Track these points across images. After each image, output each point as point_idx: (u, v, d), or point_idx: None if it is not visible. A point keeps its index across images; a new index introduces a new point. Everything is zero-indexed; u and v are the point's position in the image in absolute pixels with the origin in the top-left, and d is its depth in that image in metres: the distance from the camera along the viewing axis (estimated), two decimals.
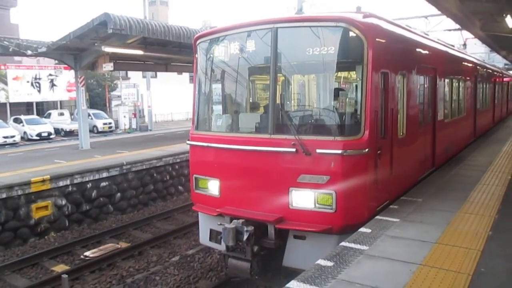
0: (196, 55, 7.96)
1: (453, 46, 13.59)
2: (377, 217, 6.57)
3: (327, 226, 6.20)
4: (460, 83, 12.86)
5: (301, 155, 6.28)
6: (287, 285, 4.44)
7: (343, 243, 5.56)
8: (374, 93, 6.35)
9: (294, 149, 6.34)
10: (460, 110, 12.92)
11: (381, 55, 6.56)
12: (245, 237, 6.36)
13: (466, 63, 14.25)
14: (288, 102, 7.78)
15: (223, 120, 7.84)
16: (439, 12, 14.47)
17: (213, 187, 7.41)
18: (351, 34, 6.31)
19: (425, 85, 9.21)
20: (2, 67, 35.46)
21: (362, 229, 6.03)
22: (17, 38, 21.65)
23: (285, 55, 6.85)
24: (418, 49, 8.95)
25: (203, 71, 7.98)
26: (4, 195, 10.94)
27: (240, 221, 6.54)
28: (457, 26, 18.06)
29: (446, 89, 11.09)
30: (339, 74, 7.24)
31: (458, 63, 13.12)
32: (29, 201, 11.49)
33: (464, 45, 24.52)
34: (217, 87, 8.03)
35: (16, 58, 35.23)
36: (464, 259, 4.96)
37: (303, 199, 6.37)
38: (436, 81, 9.84)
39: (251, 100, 8.18)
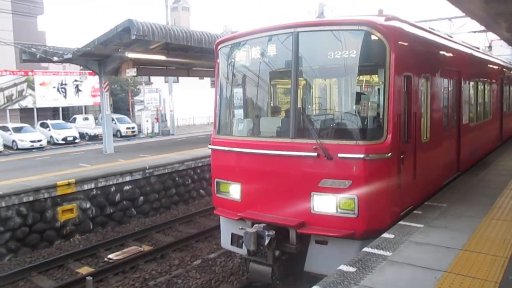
0: (218, 60, 8.01)
1: (477, 48, 13.34)
2: (401, 222, 6.48)
3: (349, 231, 6.14)
4: (486, 86, 12.58)
5: (323, 159, 6.23)
6: None
7: (365, 249, 5.49)
8: (397, 96, 6.27)
9: (315, 153, 6.30)
10: (486, 113, 12.64)
11: (404, 58, 6.49)
12: (266, 241, 6.36)
13: (491, 65, 13.94)
14: (309, 106, 7.75)
15: (245, 124, 7.87)
16: (463, 14, 14.22)
17: (234, 191, 7.44)
18: (373, 37, 6.27)
19: (449, 88, 9.04)
20: (30, 73, 36.41)
21: (385, 235, 5.95)
22: (44, 45, 22.26)
23: (306, 59, 6.83)
24: (441, 52, 8.81)
25: (224, 76, 8.01)
26: (31, 198, 11.23)
27: (262, 225, 6.56)
28: (482, 28, 17.69)
29: (471, 92, 10.86)
30: (361, 77, 7.17)
31: (483, 65, 12.85)
32: (55, 204, 11.75)
33: (489, 47, 23.95)
34: (238, 92, 8.07)
35: (43, 64, 36.08)
36: (491, 267, 4.84)
37: (325, 203, 6.33)
38: (461, 84, 9.65)
39: (272, 104, 8.18)
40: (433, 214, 6.82)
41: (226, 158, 7.57)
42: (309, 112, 7.59)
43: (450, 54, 9.32)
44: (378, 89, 6.54)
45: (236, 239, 7.45)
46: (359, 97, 6.67)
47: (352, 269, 4.86)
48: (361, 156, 6.02)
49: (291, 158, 6.63)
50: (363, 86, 7.34)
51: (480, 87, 11.96)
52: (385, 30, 6.22)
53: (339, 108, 7.78)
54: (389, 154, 6.12)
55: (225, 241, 7.87)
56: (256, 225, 6.63)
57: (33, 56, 18.20)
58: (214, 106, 8.06)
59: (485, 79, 12.61)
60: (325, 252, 6.47)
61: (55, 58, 17.60)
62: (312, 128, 6.68)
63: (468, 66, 10.74)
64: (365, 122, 6.53)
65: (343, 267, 4.94)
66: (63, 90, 38.57)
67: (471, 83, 10.87)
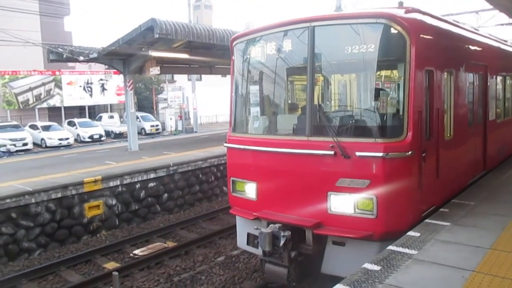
0: (233, 57, 7.92)
1: (505, 41, 12.83)
2: (426, 220, 6.36)
3: (367, 232, 5.95)
4: None
5: (340, 158, 6.05)
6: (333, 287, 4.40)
7: (390, 247, 5.42)
8: (418, 92, 6.05)
9: (332, 152, 6.12)
10: None
11: (425, 52, 6.26)
12: (281, 242, 6.23)
13: None
14: (326, 103, 7.59)
15: (260, 122, 7.75)
16: (490, 7, 13.84)
17: (250, 190, 7.32)
18: (393, 30, 6.02)
19: (475, 83, 8.72)
20: (57, 73, 37.35)
21: (411, 233, 5.86)
22: (70, 45, 22.77)
23: (323, 54, 6.64)
24: (466, 45, 8.50)
25: (240, 73, 7.89)
26: (59, 195, 11.52)
27: (277, 225, 6.42)
28: (510, 21, 17.17)
29: (499, 87, 10.52)
30: (380, 73, 6.92)
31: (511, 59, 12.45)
32: (82, 200, 12.02)
33: None
34: (253, 89, 7.93)
35: (70, 64, 36.92)
36: None
37: (342, 204, 6.16)
38: (487, 78, 9.33)
39: (288, 101, 8.00)
40: (460, 212, 6.68)
41: (241, 156, 7.47)
42: (326, 109, 7.42)
43: (476, 48, 9.02)
44: (398, 85, 6.33)
45: (252, 239, 7.36)
46: (378, 93, 6.44)
47: (376, 268, 4.81)
48: (380, 154, 5.79)
49: (308, 157, 6.46)
50: (382, 82, 7.12)
51: (509, 82, 11.58)
52: (405, 23, 5.97)
53: (357, 105, 7.59)
54: (410, 153, 5.88)
55: (241, 241, 7.79)
56: (272, 225, 6.50)
57: (60, 56, 18.61)
58: (230, 104, 7.98)
59: None
60: (343, 253, 6.30)
61: (81, 58, 17.96)
62: (329, 126, 6.47)
63: (495, 60, 10.38)
64: (384, 119, 6.30)
65: (368, 265, 4.89)
66: (89, 89, 39.46)
67: (499, 77, 10.52)
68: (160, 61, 19.10)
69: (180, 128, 36.64)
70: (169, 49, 16.68)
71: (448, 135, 7.30)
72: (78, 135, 31.25)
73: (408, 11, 6.30)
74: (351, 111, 7.29)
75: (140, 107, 39.58)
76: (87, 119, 35.54)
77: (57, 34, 41.65)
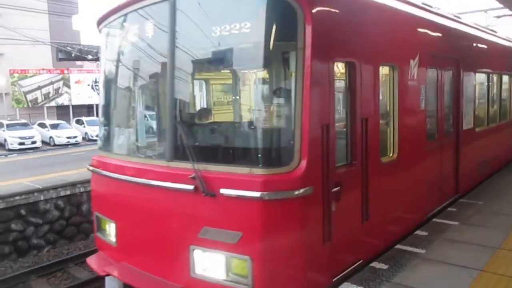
0: (100, 44, 6.03)
1: (495, 32, 10.50)
2: (434, 219, 6.35)
3: None
4: (503, 79, 10.20)
5: (202, 196, 4.03)
6: (340, 286, 4.41)
7: (398, 246, 5.41)
8: (321, 96, 4.02)
9: (192, 187, 4.11)
10: (503, 114, 10.25)
11: (337, 36, 4.29)
12: None
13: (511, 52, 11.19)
14: (187, 112, 5.10)
15: (121, 137, 5.74)
16: (500, 6, 13.77)
17: (111, 231, 5.33)
18: (277, 0, 4.06)
19: (440, 83, 6.75)
20: (66, 71, 37.66)
21: (418, 232, 5.86)
22: (78, 44, 22.94)
23: (187, 40, 4.54)
24: (422, 31, 6.30)
25: (104, 66, 5.92)
26: (68, 192, 11.63)
27: None
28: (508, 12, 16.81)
29: (477, 87, 8.44)
30: (261, 67, 4.38)
31: (498, 52, 10.09)
32: (91, 197, 12.09)
33: None
34: (114, 90, 5.86)
35: (78, 62, 37.26)
36: None
37: (209, 264, 4.13)
38: (460, 76, 7.36)
39: (147, 110, 5.85)
40: (468, 212, 6.67)
41: (103, 184, 5.53)
42: (188, 121, 5.00)
43: (440, 35, 6.85)
44: (290, 85, 4.19)
45: None
46: (257, 97, 4.52)
47: (384, 266, 4.82)
48: (256, 194, 3.76)
49: (166, 191, 4.42)
50: (265, 80, 4.52)
51: (493, 80, 9.55)
52: None
53: (230, 116, 5.64)
54: (303, 190, 3.82)
55: None
56: None
57: (69, 54, 18.82)
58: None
59: (501, 71, 10.10)
60: None
61: (90, 56, 18.17)
62: (189, 146, 4.27)
63: (473, 53, 8.33)
64: (266, 139, 4.26)
65: (375, 264, 4.90)
66: (97, 87, 39.68)
67: (478, 75, 8.41)
68: None
69: None
70: None
71: (390, 155, 5.37)
72: (86, 133, 31.47)
73: None
74: (221, 125, 5.30)
75: None
76: (95, 118, 35.71)
77: (65, 33, 41.92)
